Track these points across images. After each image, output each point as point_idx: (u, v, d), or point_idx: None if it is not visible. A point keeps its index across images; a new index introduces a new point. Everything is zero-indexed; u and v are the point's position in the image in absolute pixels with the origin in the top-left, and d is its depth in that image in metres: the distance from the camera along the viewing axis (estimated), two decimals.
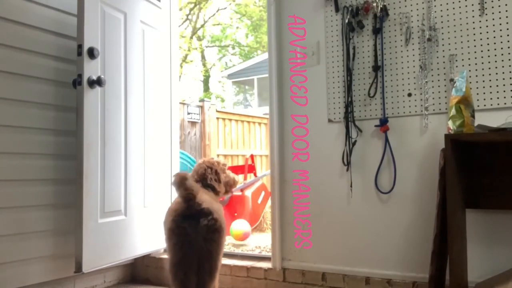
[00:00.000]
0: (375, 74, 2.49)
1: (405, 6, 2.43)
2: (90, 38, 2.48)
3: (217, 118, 7.64)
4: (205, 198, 2.11)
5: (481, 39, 2.24)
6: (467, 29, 2.27)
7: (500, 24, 2.20)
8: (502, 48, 2.19)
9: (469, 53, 2.27)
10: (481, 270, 2.17)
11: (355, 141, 2.53)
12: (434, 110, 2.34)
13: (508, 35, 2.18)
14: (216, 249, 2.07)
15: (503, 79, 2.18)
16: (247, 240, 4.16)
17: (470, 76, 2.24)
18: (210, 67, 19.59)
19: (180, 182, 2.00)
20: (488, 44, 2.22)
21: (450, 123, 1.98)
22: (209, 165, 2.45)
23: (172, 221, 2.06)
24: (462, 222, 2.14)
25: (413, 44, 2.41)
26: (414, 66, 2.40)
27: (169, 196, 3.13)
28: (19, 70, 2.47)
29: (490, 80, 2.21)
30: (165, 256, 2.96)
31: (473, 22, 2.26)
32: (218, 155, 7.33)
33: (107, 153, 2.59)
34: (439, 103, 2.33)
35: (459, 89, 2.00)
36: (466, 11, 2.28)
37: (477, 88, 2.23)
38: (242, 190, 5.27)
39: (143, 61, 2.95)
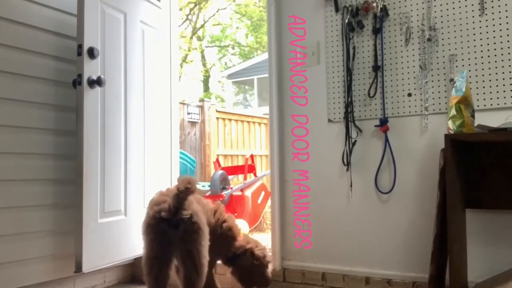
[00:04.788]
0: (375, 74, 2.49)
1: (405, 6, 2.43)
2: (90, 38, 2.48)
3: (217, 118, 7.65)
4: (190, 201, 2.12)
5: (481, 39, 2.24)
6: (467, 29, 2.27)
7: (500, 24, 2.20)
8: (502, 48, 2.19)
9: (469, 53, 2.27)
10: (481, 270, 2.17)
11: (355, 141, 2.53)
12: (434, 110, 2.34)
13: (508, 35, 2.18)
14: (196, 247, 2.07)
15: (503, 79, 2.18)
16: None
17: (470, 76, 2.24)
18: (210, 67, 19.59)
19: (191, 180, 2.02)
20: (488, 44, 2.22)
21: (450, 123, 1.98)
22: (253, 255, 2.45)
23: (152, 217, 2.08)
24: (462, 222, 2.14)
25: (413, 44, 2.41)
26: (414, 66, 2.40)
27: None
28: (19, 70, 2.46)
29: (490, 80, 2.21)
30: None
31: (473, 22, 2.26)
32: (218, 155, 7.34)
33: (107, 153, 2.59)
34: (439, 103, 2.33)
35: (459, 89, 2.00)
36: (466, 11, 2.28)
37: (477, 88, 2.23)
38: (242, 190, 5.27)
39: (143, 61, 2.95)
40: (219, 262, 2.51)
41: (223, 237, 2.39)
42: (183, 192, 2.02)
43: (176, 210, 2.03)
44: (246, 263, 2.41)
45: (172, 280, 2.17)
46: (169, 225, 2.04)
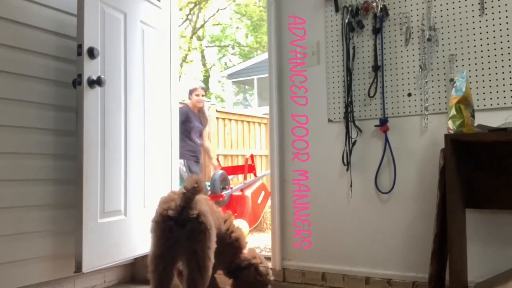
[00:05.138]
0: (375, 74, 2.49)
1: (405, 6, 2.43)
2: (90, 38, 2.48)
3: (217, 118, 7.64)
4: (198, 201, 2.12)
5: (481, 39, 2.24)
6: (467, 29, 2.27)
7: (500, 24, 2.20)
8: (502, 48, 2.19)
9: (469, 53, 2.27)
10: (481, 270, 2.17)
11: (355, 141, 2.53)
12: (434, 110, 2.35)
13: (508, 35, 2.18)
14: (202, 248, 2.06)
15: (503, 79, 2.18)
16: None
17: (470, 76, 2.24)
18: (210, 67, 19.58)
19: (199, 180, 2.02)
20: (488, 44, 2.22)
21: (450, 123, 1.98)
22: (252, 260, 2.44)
23: (159, 215, 2.07)
24: (462, 222, 2.14)
25: (413, 44, 2.41)
26: (414, 66, 2.40)
27: None
28: (19, 70, 2.46)
29: (490, 80, 2.21)
30: None
31: (473, 22, 2.26)
32: (218, 155, 7.33)
33: (107, 153, 2.59)
34: (439, 103, 2.33)
35: (459, 89, 2.00)
36: (466, 11, 2.28)
37: (477, 88, 2.23)
38: (242, 190, 5.27)
39: (143, 61, 2.95)
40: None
41: (230, 246, 2.39)
42: (190, 191, 2.02)
43: (182, 209, 2.03)
44: (250, 278, 2.40)
45: (175, 281, 2.16)
46: (176, 223, 2.04)
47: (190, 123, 4.80)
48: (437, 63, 2.35)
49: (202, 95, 4.89)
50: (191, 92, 5.03)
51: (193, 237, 2.05)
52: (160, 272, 2.06)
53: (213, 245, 2.12)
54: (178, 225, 2.04)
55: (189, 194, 2.02)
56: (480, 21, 2.25)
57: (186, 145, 4.78)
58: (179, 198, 2.04)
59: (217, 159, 6.55)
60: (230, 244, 2.38)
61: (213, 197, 5.09)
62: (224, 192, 5.16)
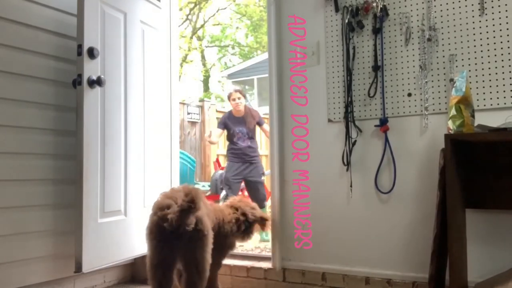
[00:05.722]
0: (375, 74, 2.49)
1: (405, 6, 2.43)
2: (90, 38, 2.48)
3: (217, 118, 7.65)
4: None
5: (481, 39, 2.24)
6: (467, 29, 2.27)
7: (500, 24, 2.20)
8: (502, 48, 2.19)
9: (469, 53, 2.27)
10: (481, 270, 2.17)
11: (355, 141, 2.53)
12: (434, 110, 2.35)
13: (508, 35, 2.18)
14: (201, 253, 2.07)
15: (503, 79, 2.18)
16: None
17: (470, 76, 2.24)
18: (210, 67, 19.57)
19: (196, 197, 1.99)
20: (488, 44, 2.22)
21: (450, 123, 1.98)
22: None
23: (156, 224, 2.04)
24: (462, 222, 2.14)
25: (413, 44, 2.41)
26: (414, 66, 2.40)
27: None
28: (19, 70, 2.46)
29: (490, 80, 2.21)
30: None
31: (473, 22, 2.26)
32: (218, 155, 7.34)
33: (107, 153, 2.59)
34: (439, 103, 2.33)
35: (459, 89, 2.00)
36: (466, 11, 2.28)
37: (477, 88, 2.23)
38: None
39: (143, 61, 2.95)
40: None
41: (222, 235, 2.40)
42: (185, 211, 1.98)
43: (178, 225, 1.99)
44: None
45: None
46: (172, 233, 2.01)
47: (230, 130, 4.86)
48: (437, 63, 2.35)
49: (238, 98, 4.90)
50: (228, 98, 5.06)
51: (191, 245, 2.04)
52: (159, 278, 2.06)
53: (210, 247, 2.13)
54: (174, 236, 2.01)
55: (185, 213, 1.98)
56: (480, 21, 2.25)
57: (230, 149, 4.90)
58: (174, 214, 1.97)
59: (217, 159, 6.55)
60: (221, 233, 2.40)
61: (213, 197, 5.10)
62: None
